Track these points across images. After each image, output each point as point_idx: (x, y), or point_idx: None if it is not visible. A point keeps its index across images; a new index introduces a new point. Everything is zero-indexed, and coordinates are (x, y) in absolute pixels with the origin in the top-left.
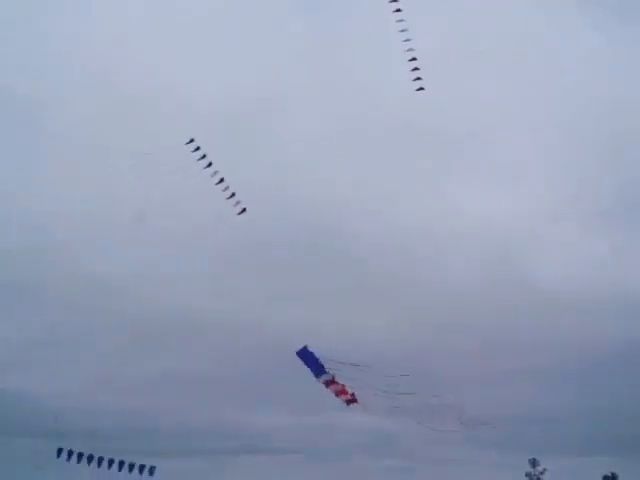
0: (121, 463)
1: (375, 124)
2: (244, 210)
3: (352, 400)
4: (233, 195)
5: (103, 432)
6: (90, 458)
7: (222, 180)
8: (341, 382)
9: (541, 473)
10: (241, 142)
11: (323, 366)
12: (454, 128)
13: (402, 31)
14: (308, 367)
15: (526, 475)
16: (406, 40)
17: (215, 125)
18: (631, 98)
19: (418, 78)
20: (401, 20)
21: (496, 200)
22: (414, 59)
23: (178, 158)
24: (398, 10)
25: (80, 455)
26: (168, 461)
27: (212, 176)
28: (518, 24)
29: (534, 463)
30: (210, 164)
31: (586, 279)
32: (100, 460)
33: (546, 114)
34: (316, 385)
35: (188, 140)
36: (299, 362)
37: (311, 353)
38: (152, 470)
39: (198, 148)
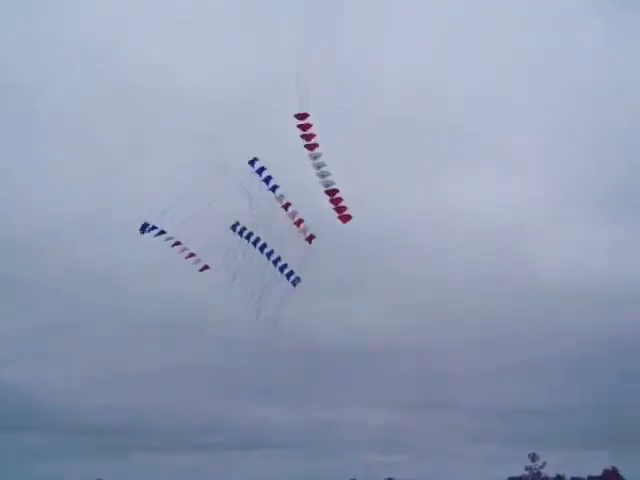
0: None
1: (373, 117)
2: (206, 267)
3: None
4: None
5: (98, 427)
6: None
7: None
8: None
9: (541, 467)
10: (240, 132)
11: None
12: (454, 122)
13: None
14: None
15: (526, 469)
16: None
17: (213, 114)
18: (632, 89)
19: None
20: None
21: (496, 193)
22: None
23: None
24: None
25: None
26: (167, 456)
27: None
28: (519, 17)
29: (534, 457)
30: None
31: (587, 271)
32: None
33: (546, 106)
34: (315, 380)
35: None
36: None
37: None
38: None
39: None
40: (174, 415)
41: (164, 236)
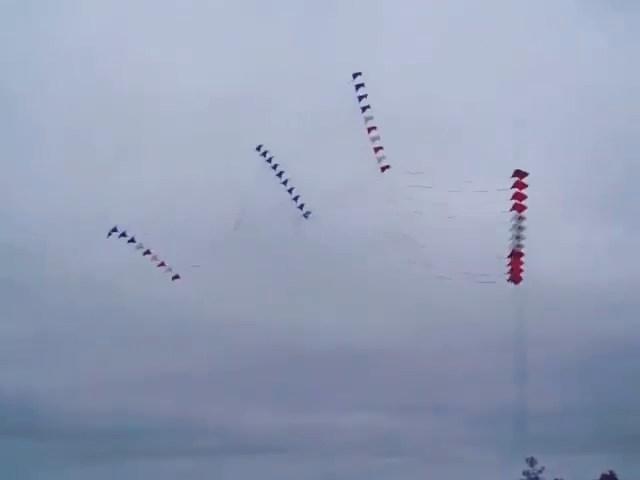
0: None
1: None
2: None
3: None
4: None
5: (91, 432)
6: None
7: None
8: None
9: (539, 471)
10: (229, 136)
11: None
12: (449, 123)
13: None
14: None
15: (524, 473)
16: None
17: (201, 119)
18: (630, 90)
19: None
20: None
21: (493, 195)
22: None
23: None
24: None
25: None
26: (161, 460)
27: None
28: (513, 19)
29: (532, 461)
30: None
31: (586, 273)
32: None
33: (545, 107)
34: (308, 384)
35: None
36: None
37: None
38: None
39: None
40: (169, 420)
41: (134, 244)
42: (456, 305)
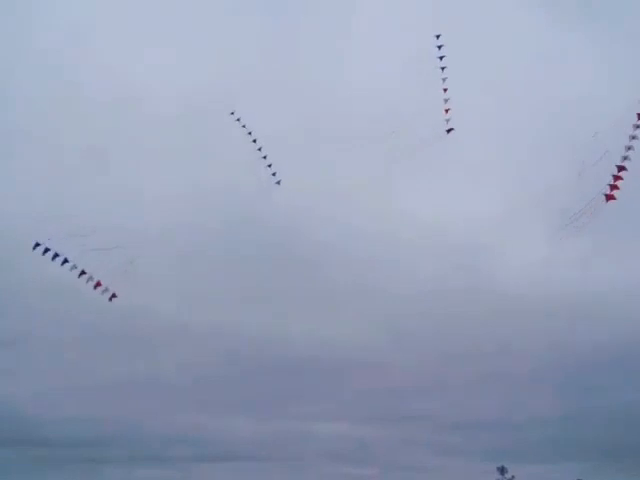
0: None
1: (336, 125)
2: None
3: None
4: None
5: (70, 440)
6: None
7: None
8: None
9: None
10: (200, 142)
11: None
12: (419, 131)
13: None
14: None
15: None
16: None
17: (171, 122)
18: (601, 97)
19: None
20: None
21: (462, 204)
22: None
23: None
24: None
25: None
26: (135, 468)
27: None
28: (486, 27)
29: (502, 470)
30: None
31: (554, 284)
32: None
33: (516, 121)
34: (284, 393)
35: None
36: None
37: None
38: None
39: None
40: (142, 427)
41: (68, 265)
42: (430, 316)
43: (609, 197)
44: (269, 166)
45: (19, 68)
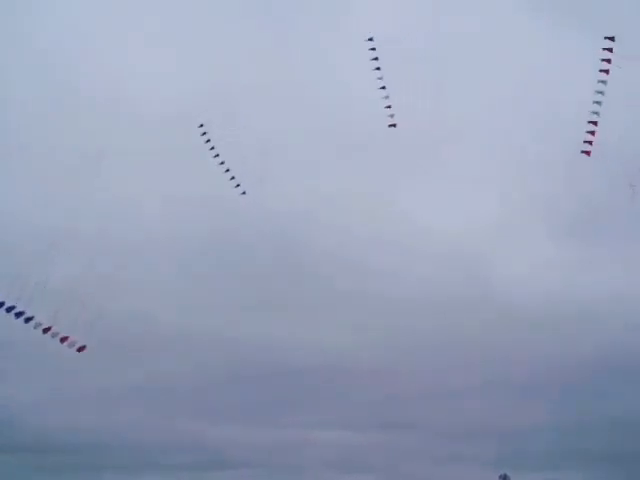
0: None
1: (334, 128)
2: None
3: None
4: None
5: (67, 446)
6: None
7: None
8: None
9: None
10: (193, 149)
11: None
12: (419, 140)
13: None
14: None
15: None
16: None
17: (168, 125)
18: (610, 107)
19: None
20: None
21: (462, 212)
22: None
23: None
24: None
25: None
26: (136, 476)
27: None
28: (485, 28)
29: (505, 478)
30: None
31: (555, 291)
32: None
33: (510, 119)
34: (281, 400)
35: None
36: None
37: None
38: None
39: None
40: (141, 434)
41: (32, 322)
42: (430, 323)
43: (586, 152)
44: (232, 178)
45: (17, 68)
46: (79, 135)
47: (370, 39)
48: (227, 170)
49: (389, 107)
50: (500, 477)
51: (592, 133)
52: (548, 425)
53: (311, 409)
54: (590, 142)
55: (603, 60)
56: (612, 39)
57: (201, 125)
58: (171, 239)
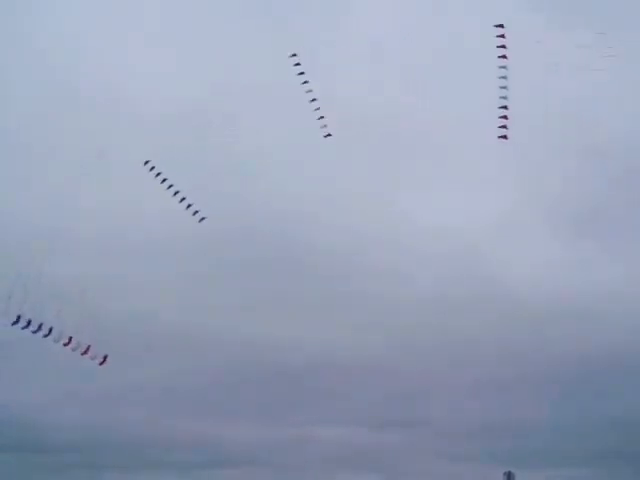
0: None
1: (334, 127)
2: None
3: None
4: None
5: (69, 445)
6: None
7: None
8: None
9: None
10: (194, 150)
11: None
12: (421, 136)
13: None
14: None
15: None
16: None
17: (164, 129)
18: (604, 98)
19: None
20: None
21: (465, 210)
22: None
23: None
24: None
25: None
26: (137, 475)
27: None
28: (477, 25)
29: (509, 476)
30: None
31: (559, 288)
32: None
33: (515, 114)
34: (286, 398)
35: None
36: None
37: None
38: None
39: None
40: (142, 433)
41: (50, 337)
42: (432, 320)
43: (503, 137)
44: (189, 206)
45: (17, 68)
46: (79, 135)
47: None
48: (176, 192)
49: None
50: (504, 474)
51: (505, 117)
52: (551, 422)
53: (314, 407)
54: (505, 127)
55: (499, 47)
56: (501, 26)
57: (146, 162)
58: (171, 239)
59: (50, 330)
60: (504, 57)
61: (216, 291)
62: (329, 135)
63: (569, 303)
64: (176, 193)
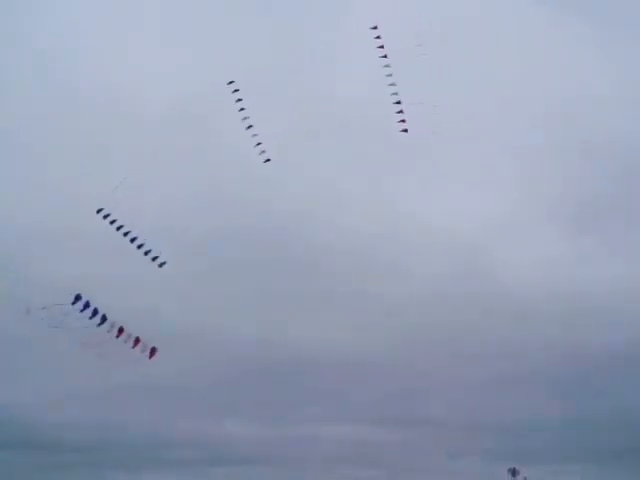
0: None
1: (335, 125)
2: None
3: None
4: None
5: (71, 444)
6: None
7: None
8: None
9: None
10: (196, 147)
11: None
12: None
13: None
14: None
15: None
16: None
17: (169, 124)
18: (604, 97)
19: None
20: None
21: (465, 208)
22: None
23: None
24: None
25: None
26: (138, 473)
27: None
28: (487, 22)
29: (514, 472)
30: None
31: (559, 286)
32: None
33: (515, 113)
34: (288, 395)
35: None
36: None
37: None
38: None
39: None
40: (145, 431)
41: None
42: (434, 317)
43: (404, 130)
44: (140, 246)
45: (17, 68)
46: (79, 135)
47: (374, 28)
48: (126, 233)
49: (401, 112)
50: (509, 471)
51: (401, 112)
52: (559, 418)
53: (316, 404)
54: (403, 120)
55: (379, 47)
56: (375, 28)
57: (99, 210)
58: (171, 239)
59: (105, 319)
60: (385, 57)
61: (215, 290)
62: (268, 160)
63: (570, 300)
64: (133, 240)
